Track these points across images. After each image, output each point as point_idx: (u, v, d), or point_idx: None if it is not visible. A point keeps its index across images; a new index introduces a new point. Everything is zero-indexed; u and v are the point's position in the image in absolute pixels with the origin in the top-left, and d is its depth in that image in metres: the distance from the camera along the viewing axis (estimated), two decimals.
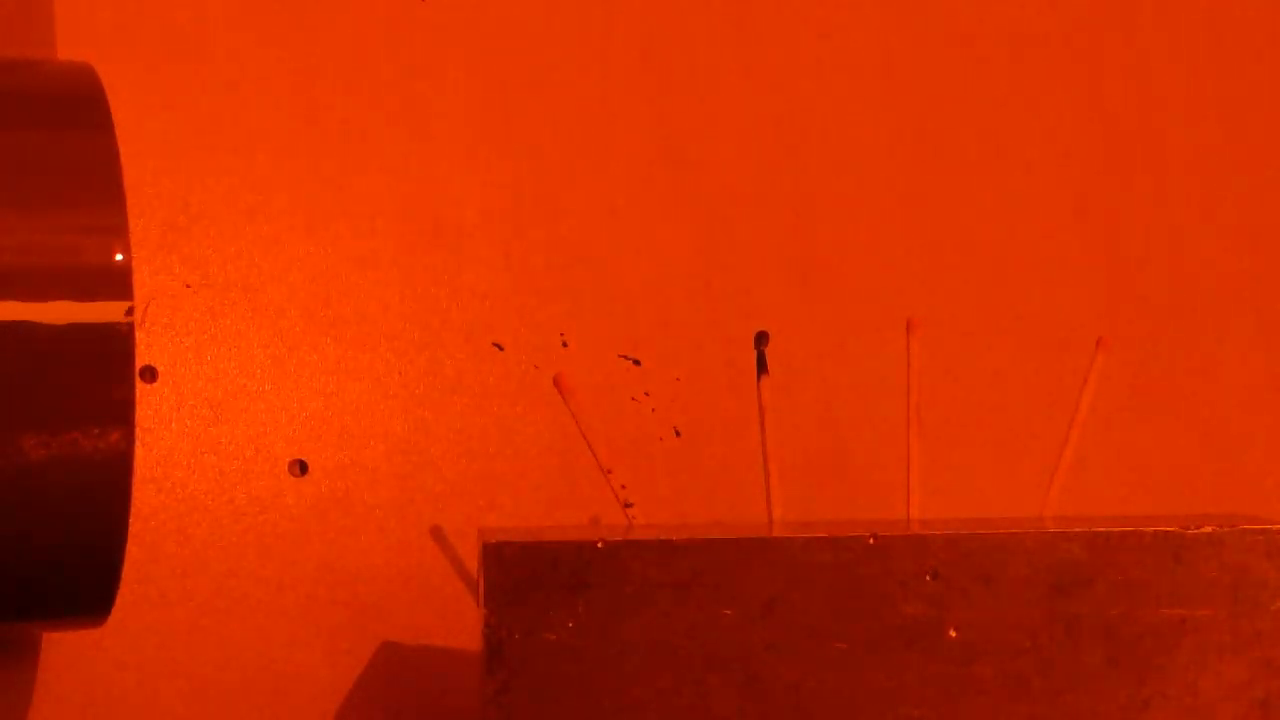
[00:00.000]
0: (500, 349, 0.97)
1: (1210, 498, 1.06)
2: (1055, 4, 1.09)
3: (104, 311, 0.69)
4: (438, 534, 0.94)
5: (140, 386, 0.90)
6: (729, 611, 0.77)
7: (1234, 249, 1.09)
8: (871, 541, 0.78)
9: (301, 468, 0.93)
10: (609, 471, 0.87)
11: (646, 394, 0.98)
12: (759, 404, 0.88)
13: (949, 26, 1.07)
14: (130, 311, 0.69)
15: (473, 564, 0.92)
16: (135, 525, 0.89)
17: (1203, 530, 0.80)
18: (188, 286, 0.92)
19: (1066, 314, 1.05)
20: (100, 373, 0.69)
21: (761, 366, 0.88)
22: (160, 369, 0.91)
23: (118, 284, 0.70)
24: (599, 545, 0.77)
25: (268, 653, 0.91)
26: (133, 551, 0.83)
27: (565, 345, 0.98)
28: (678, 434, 0.98)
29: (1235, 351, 1.08)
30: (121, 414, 0.69)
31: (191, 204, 0.93)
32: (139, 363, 0.89)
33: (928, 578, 0.78)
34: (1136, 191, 1.08)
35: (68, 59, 0.82)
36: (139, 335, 0.89)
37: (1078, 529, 0.80)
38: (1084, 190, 1.07)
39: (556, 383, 0.87)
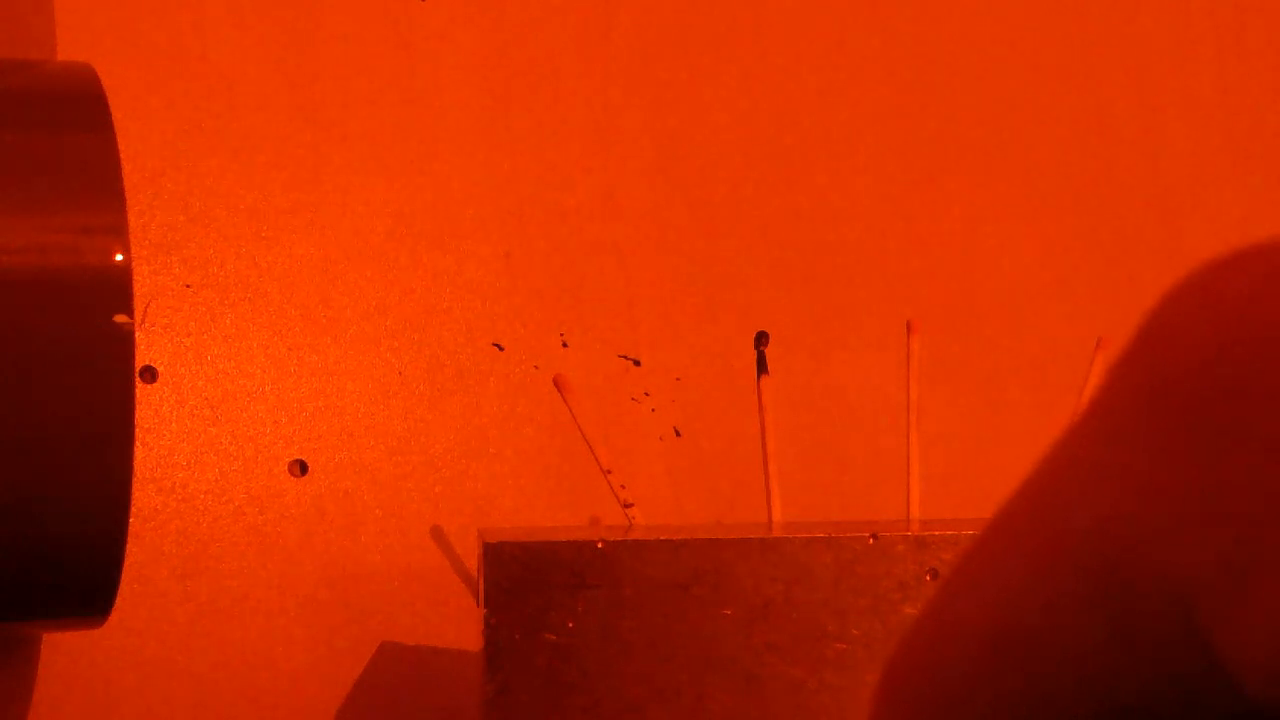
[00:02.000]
0: (500, 349, 0.97)
1: None
2: (1055, 4, 1.09)
3: (104, 312, 0.69)
4: (438, 534, 0.94)
5: (140, 386, 0.90)
6: (729, 611, 0.77)
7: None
8: (871, 541, 0.78)
9: (301, 468, 0.93)
10: (609, 471, 0.87)
11: (646, 394, 0.98)
12: (759, 404, 0.88)
13: (949, 27, 1.07)
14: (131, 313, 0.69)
15: (473, 564, 0.92)
16: (135, 525, 0.89)
17: None
18: (188, 286, 0.92)
19: (1066, 314, 1.05)
20: (100, 373, 0.69)
21: (761, 366, 0.88)
22: (160, 369, 0.91)
23: (118, 284, 0.70)
24: (599, 545, 0.77)
25: (268, 653, 0.91)
26: (133, 551, 0.83)
27: (565, 345, 0.98)
28: (678, 434, 0.98)
29: None
30: (121, 414, 0.69)
31: (191, 204, 0.93)
32: (139, 363, 0.89)
33: (928, 578, 0.78)
34: (1136, 191, 1.08)
35: (68, 59, 0.82)
36: (139, 335, 0.89)
37: None
38: (1084, 190, 1.07)
39: (556, 383, 0.87)
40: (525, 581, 0.76)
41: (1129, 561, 0.36)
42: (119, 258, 0.70)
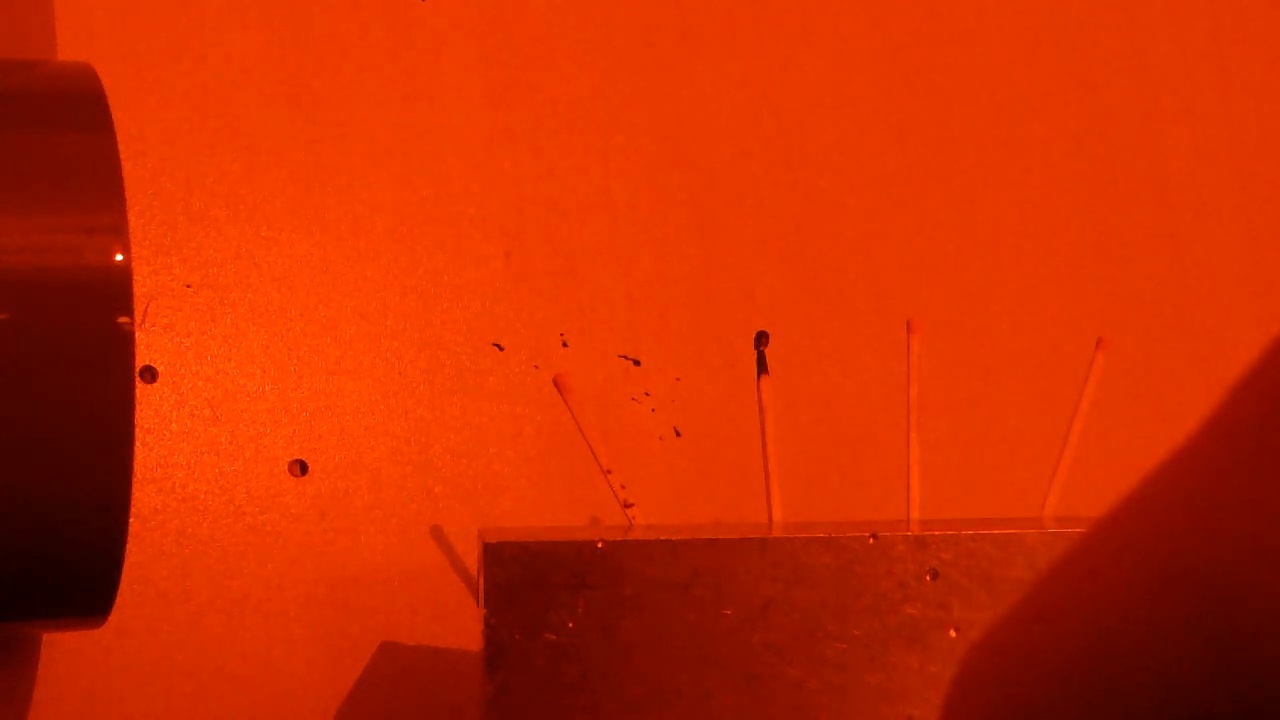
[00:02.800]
0: (500, 349, 0.97)
1: None
2: (1055, 4, 1.09)
3: (104, 312, 0.69)
4: (438, 534, 0.94)
5: (140, 386, 0.90)
6: (729, 611, 0.77)
7: (1234, 249, 1.09)
8: (871, 541, 0.78)
9: (301, 468, 0.93)
10: (609, 471, 0.87)
11: (647, 394, 0.98)
12: (759, 404, 0.88)
13: (949, 27, 1.07)
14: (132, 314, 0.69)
15: (473, 564, 0.92)
16: (135, 525, 0.89)
17: None
18: (188, 286, 0.92)
19: (1066, 314, 1.05)
20: (100, 373, 0.69)
21: (761, 366, 0.88)
22: (160, 369, 0.91)
23: (118, 284, 0.70)
24: (599, 545, 0.77)
25: (268, 653, 0.91)
26: (133, 551, 0.83)
27: (565, 345, 0.98)
28: (678, 434, 0.98)
29: (1235, 351, 1.08)
30: (121, 414, 0.69)
31: (191, 204, 0.93)
32: (139, 363, 0.89)
33: (928, 578, 0.78)
34: (1136, 191, 1.08)
35: (68, 59, 0.82)
36: (139, 335, 0.89)
37: (1078, 529, 0.79)
38: (1084, 190, 1.07)
39: (556, 383, 0.87)
40: (525, 581, 0.76)
41: (1239, 582, 0.35)
42: (119, 258, 0.70)
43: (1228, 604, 0.35)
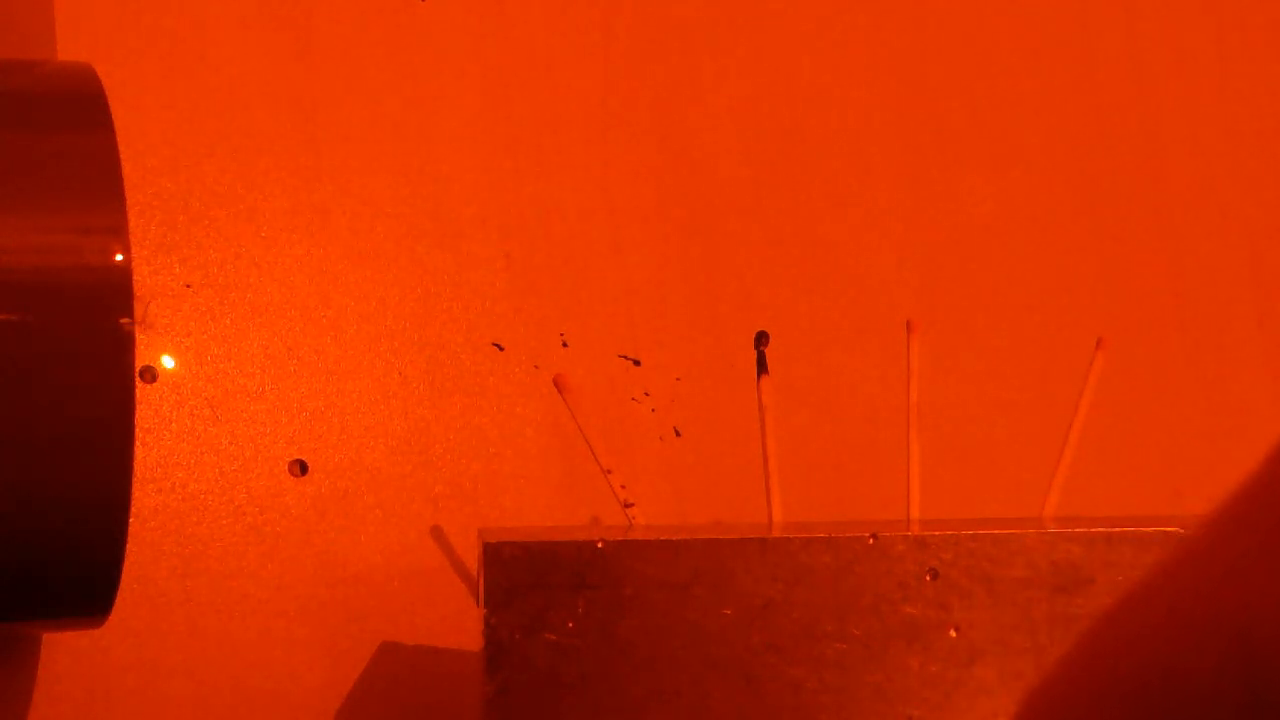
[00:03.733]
0: (500, 349, 0.97)
1: (1210, 497, 1.05)
2: (1055, 4, 1.09)
3: (104, 312, 0.69)
4: (438, 534, 0.94)
5: (140, 386, 0.90)
6: (729, 611, 0.77)
7: (1234, 249, 1.09)
8: (871, 541, 0.78)
9: (301, 468, 0.93)
10: (609, 471, 0.87)
11: (647, 394, 0.98)
12: (759, 404, 0.88)
13: (949, 27, 1.07)
14: (132, 314, 0.69)
15: (473, 564, 0.92)
16: (135, 525, 0.89)
17: None
18: (188, 286, 0.92)
19: (1066, 314, 1.05)
20: (100, 373, 0.69)
21: (761, 366, 0.88)
22: (160, 369, 0.91)
23: (118, 284, 0.70)
24: (599, 545, 0.77)
25: (268, 653, 0.91)
26: (133, 551, 0.83)
27: (565, 345, 0.98)
28: (678, 434, 0.98)
29: (1235, 351, 1.08)
30: (121, 414, 0.69)
31: (191, 204, 0.93)
32: (139, 363, 0.89)
33: (928, 578, 0.79)
34: (1136, 191, 1.08)
35: (68, 59, 0.82)
36: (139, 335, 0.89)
37: (1078, 529, 0.80)
38: (1084, 190, 1.07)
39: (556, 383, 0.87)
40: (525, 581, 0.76)
41: (1270, 637, 0.38)
42: (119, 258, 0.70)
43: (1259, 657, 0.38)
